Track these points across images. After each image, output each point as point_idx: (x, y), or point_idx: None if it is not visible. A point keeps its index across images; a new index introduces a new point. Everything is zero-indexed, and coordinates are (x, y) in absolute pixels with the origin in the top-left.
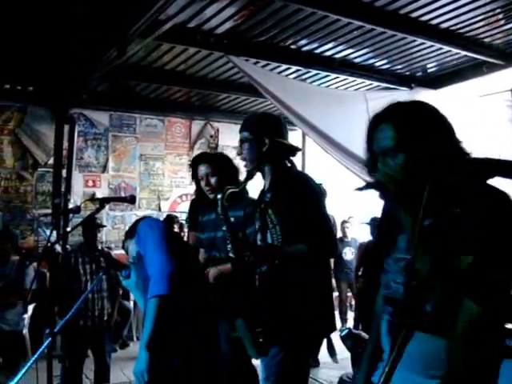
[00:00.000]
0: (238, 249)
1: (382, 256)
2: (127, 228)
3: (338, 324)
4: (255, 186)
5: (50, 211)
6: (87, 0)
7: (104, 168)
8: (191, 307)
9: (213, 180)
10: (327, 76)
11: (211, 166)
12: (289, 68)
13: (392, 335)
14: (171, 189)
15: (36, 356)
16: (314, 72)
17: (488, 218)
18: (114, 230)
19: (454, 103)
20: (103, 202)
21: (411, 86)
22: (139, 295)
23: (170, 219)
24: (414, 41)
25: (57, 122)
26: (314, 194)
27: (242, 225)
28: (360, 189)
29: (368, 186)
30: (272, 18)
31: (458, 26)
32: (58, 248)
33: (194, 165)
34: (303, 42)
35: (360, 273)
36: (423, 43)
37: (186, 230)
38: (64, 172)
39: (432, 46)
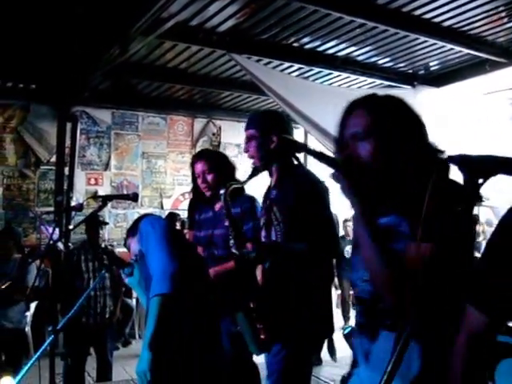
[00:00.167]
0: (241, 244)
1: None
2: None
3: (341, 322)
4: (255, 184)
5: (52, 209)
6: None
7: (106, 166)
8: (191, 307)
9: (209, 177)
10: (330, 74)
11: (208, 163)
12: (291, 66)
13: (360, 336)
14: (173, 187)
15: (39, 353)
16: (317, 70)
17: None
18: (117, 228)
19: (457, 101)
20: (106, 199)
21: (414, 84)
22: (142, 293)
23: (172, 217)
24: (417, 39)
25: (59, 119)
26: (319, 193)
27: (239, 221)
28: (319, 157)
29: (330, 162)
30: (274, 15)
31: (461, 24)
32: (61, 246)
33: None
34: (306, 39)
35: None
36: (426, 41)
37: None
38: (66, 170)
39: (435, 43)
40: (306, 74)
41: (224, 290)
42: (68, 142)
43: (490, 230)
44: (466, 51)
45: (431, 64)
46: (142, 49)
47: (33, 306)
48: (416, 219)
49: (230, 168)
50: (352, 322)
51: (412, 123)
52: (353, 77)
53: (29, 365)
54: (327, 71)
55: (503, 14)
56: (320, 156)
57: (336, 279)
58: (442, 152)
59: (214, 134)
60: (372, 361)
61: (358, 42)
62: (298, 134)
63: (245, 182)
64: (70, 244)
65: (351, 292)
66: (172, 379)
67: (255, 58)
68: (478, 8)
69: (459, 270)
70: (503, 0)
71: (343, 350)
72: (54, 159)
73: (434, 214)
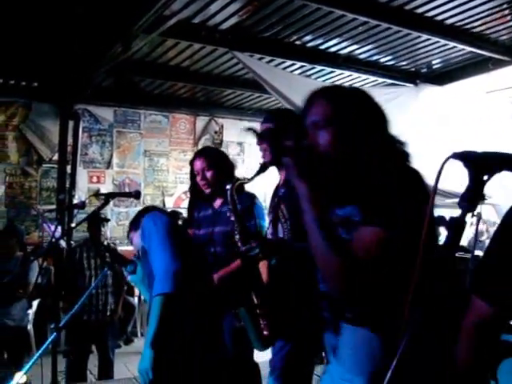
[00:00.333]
0: (247, 239)
1: None
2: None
3: None
4: (264, 182)
5: (54, 207)
6: None
7: (108, 164)
8: (193, 307)
9: (208, 174)
10: (332, 72)
11: (207, 160)
12: (293, 64)
13: (327, 332)
14: (176, 185)
15: (41, 351)
16: (319, 68)
17: None
18: (119, 226)
19: (460, 100)
20: (108, 197)
21: (416, 83)
22: (145, 290)
23: (174, 215)
24: (419, 37)
25: (61, 117)
26: None
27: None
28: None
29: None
30: (277, 13)
31: (464, 22)
32: (63, 244)
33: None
34: (308, 37)
35: None
36: (428, 39)
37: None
38: (68, 168)
39: (437, 41)
40: (309, 72)
41: (227, 287)
42: (70, 140)
43: (492, 230)
44: (469, 49)
45: (434, 62)
46: (145, 46)
47: (35, 303)
48: (370, 207)
49: (229, 166)
50: None
51: (374, 115)
52: (355, 75)
53: (31, 362)
54: (329, 69)
55: (506, 12)
56: (275, 143)
57: None
58: (403, 144)
59: (216, 132)
60: (339, 356)
61: (360, 39)
62: None
63: (252, 178)
64: (72, 242)
65: None
66: (173, 378)
67: (257, 55)
68: (480, 6)
69: (409, 256)
70: None
71: None
72: (56, 157)
73: (387, 201)
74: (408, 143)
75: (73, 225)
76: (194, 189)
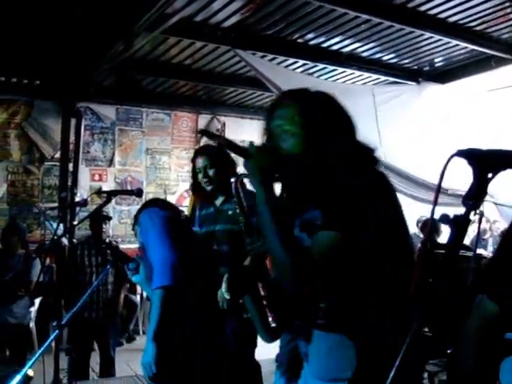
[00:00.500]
0: (251, 232)
1: None
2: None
3: None
4: None
5: (56, 205)
6: None
7: (110, 162)
8: (194, 304)
9: (211, 172)
10: (334, 70)
11: (210, 158)
12: (296, 62)
13: (299, 338)
14: (178, 183)
15: (43, 348)
16: (321, 66)
17: None
18: (121, 224)
19: (462, 98)
20: (110, 194)
21: (418, 81)
22: (149, 289)
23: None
24: (422, 35)
25: (63, 115)
26: None
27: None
28: (230, 146)
29: (240, 151)
30: (279, 11)
31: (466, 20)
32: (65, 241)
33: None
34: (310, 35)
35: None
36: (431, 37)
37: None
38: (71, 166)
39: (440, 39)
40: (311, 70)
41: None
42: (72, 138)
43: (495, 228)
44: (472, 47)
45: (436, 60)
46: (147, 44)
47: (37, 301)
48: (330, 211)
49: (231, 164)
50: None
51: (340, 119)
52: (357, 73)
53: (33, 360)
54: (332, 67)
55: (509, 10)
56: (230, 145)
57: None
58: (371, 149)
59: (218, 130)
60: (313, 362)
61: (362, 38)
62: None
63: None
64: (74, 240)
65: None
66: (174, 375)
67: (260, 53)
68: (483, 4)
69: (378, 258)
70: None
71: None
72: (58, 155)
73: (348, 205)
74: (376, 148)
75: (75, 222)
76: (196, 187)
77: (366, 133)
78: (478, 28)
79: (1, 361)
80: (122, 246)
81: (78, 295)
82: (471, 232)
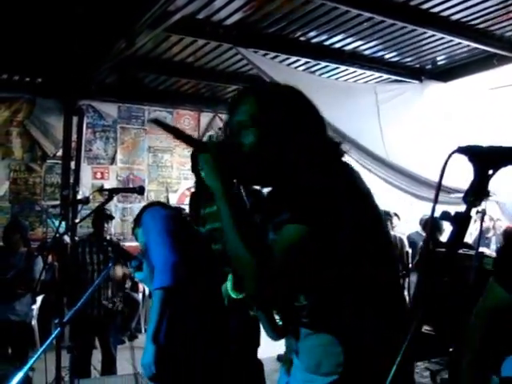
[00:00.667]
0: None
1: None
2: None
3: None
4: None
5: (58, 203)
6: None
7: (112, 160)
8: (196, 303)
9: None
10: (336, 68)
11: None
12: (298, 60)
13: (288, 336)
14: (179, 181)
15: (45, 346)
16: (324, 64)
17: None
18: (123, 222)
19: (464, 96)
20: (112, 192)
21: (421, 79)
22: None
23: (179, 210)
24: (424, 33)
25: (65, 113)
26: None
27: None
28: (186, 139)
29: (197, 145)
30: (281, 9)
31: (469, 18)
32: (67, 239)
33: (195, 157)
34: (312, 33)
35: None
36: (433, 35)
37: None
38: (73, 164)
39: (442, 38)
40: (313, 69)
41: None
42: (74, 136)
43: (498, 226)
44: (474, 45)
45: (439, 58)
46: (149, 42)
47: (39, 299)
48: (294, 206)
49: None
50: None
51: (304, 114)
52: (360, 71)
53: (35, 357)
54: (334, 65)
55: (511, 8)
56: (182, 136)
57: None
58: (338, 144)
59: (220, 129)
60: (301, 360)
61: (365, 36)
62: None
63: None
64: (76, 238)
65: None
66: (175, 373)
67: (262, 51)
68: (486, 2)
69: (344, 259)
70: None
71: None
72: (60, 153)
73: (312, 200)
74: (341, 142)
75: (77, 220)
76: (199, 184)
77: (368, 131)
78: (481, 26)
79: (3, 358)
80: (124, 244)
81: (80, 293)
82: (474, 231)
